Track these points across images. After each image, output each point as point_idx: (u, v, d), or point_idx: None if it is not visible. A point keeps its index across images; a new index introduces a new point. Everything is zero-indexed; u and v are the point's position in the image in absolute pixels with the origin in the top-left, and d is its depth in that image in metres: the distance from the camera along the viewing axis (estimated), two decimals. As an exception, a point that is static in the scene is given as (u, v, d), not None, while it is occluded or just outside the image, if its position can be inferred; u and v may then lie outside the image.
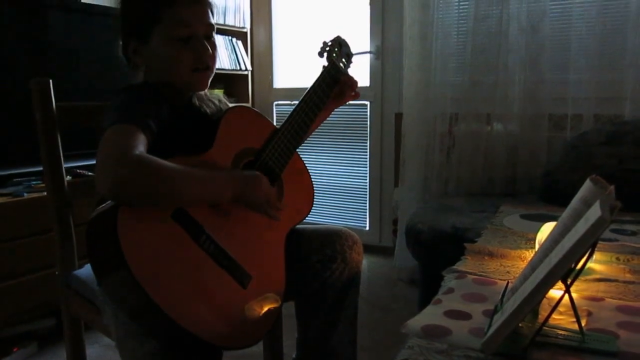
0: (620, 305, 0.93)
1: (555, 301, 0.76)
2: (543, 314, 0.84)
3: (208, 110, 1.27)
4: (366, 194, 3.24)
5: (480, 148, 2.58)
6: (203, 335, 0.93)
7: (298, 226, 1.24)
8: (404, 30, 2.69)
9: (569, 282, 0.75)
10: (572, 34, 2.38)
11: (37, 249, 1.92)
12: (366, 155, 3.20)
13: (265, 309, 1.07)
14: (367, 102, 3.13)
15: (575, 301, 0.95)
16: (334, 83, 1.30)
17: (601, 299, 0.96)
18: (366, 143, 3.19)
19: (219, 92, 3.17)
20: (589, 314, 0.90)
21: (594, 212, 0.67)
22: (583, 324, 0.86)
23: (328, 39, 1.36)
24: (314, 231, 1.25)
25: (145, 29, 1.13)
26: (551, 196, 2.21)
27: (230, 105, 1.36)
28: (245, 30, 3.27)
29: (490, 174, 2.58)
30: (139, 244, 0.92)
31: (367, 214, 3.25)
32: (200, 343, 0.93)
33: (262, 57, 3.45)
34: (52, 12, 2.22)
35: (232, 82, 3.31)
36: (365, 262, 3.11)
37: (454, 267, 1.13)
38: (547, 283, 0.68)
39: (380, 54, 3.06)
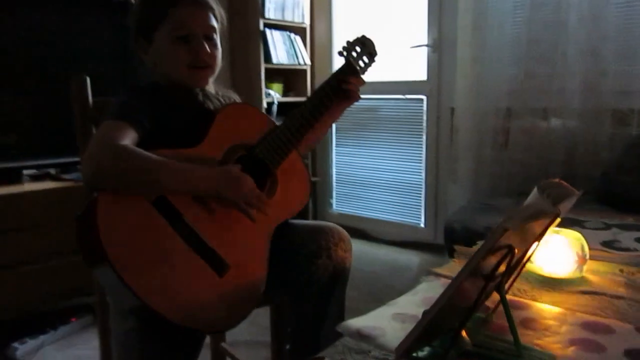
0: (588, 320, 0.86)
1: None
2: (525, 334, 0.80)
3: (212, 107, 1.31)
4: (422, 191, 3.17)
5: (535, 145, 2.43)
6: (174, 319, 0.99)
7: (291, 221, 1.26)
8: (458, 20, 2.60)
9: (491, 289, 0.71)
10: (639, 21, 2.17)
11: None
12: (422, 150, 3.13)
13: (242, 298, 1.10)
14: (424, 97, 3.06)
15: (544, 312, 0.91)
16: (346, 83, 1.30)
17: (572, 312, 0.89)
18: (422, 138, 3.11)
19: (277, 86, 3.28)
20: (547, 327, 0.84)
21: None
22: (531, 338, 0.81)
23: (352, 38, 1.35)
24: (303, 226, 1.26)
25: (150, 27, 1.21)
26: (607, 199, 2.04)
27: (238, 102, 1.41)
28: (304, 25, 3.31)
29: (546, 173, 2.42)
30: (117, 233, 0.98)
31: (423, 210, 3.19)
32: (175, 326, 0.99)
33: (322, 52, 3.47)
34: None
35: (291, 76, 3.37)
36: (417, 259, 3.06)
37: (434, 269, 1.10)
38: (449, 289, 0.65)
39: (438, 47, 2.96)
